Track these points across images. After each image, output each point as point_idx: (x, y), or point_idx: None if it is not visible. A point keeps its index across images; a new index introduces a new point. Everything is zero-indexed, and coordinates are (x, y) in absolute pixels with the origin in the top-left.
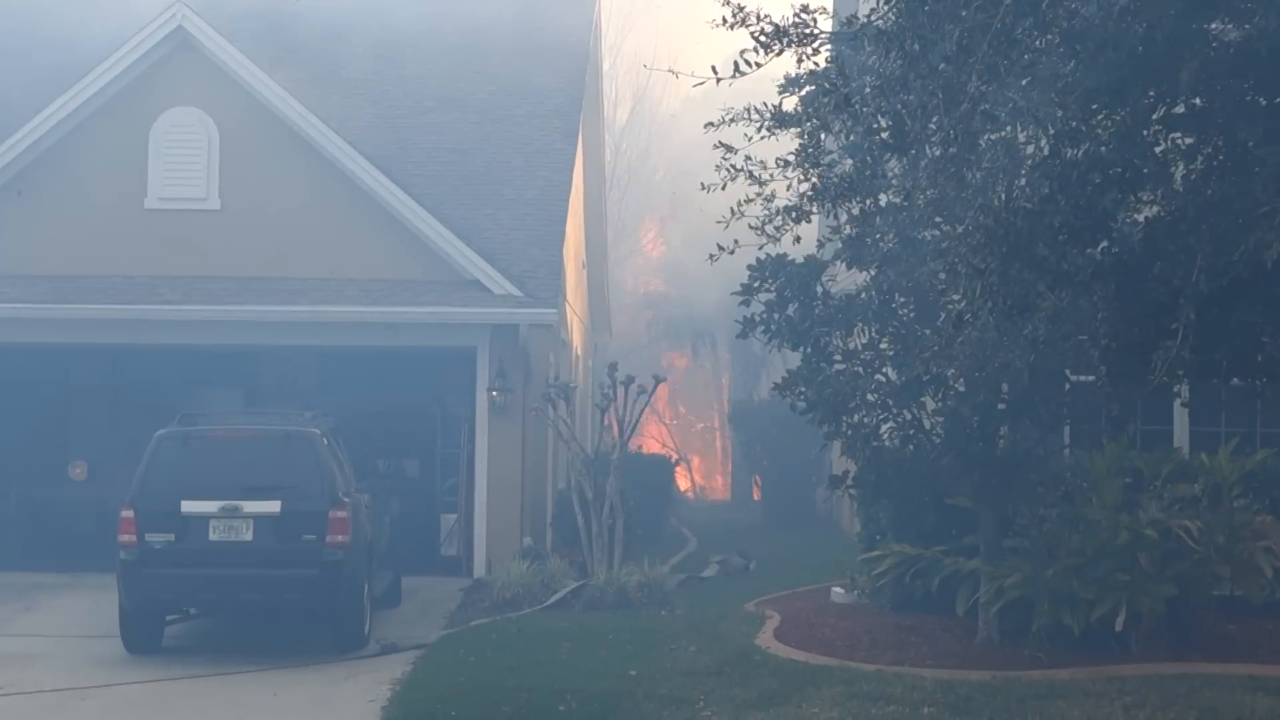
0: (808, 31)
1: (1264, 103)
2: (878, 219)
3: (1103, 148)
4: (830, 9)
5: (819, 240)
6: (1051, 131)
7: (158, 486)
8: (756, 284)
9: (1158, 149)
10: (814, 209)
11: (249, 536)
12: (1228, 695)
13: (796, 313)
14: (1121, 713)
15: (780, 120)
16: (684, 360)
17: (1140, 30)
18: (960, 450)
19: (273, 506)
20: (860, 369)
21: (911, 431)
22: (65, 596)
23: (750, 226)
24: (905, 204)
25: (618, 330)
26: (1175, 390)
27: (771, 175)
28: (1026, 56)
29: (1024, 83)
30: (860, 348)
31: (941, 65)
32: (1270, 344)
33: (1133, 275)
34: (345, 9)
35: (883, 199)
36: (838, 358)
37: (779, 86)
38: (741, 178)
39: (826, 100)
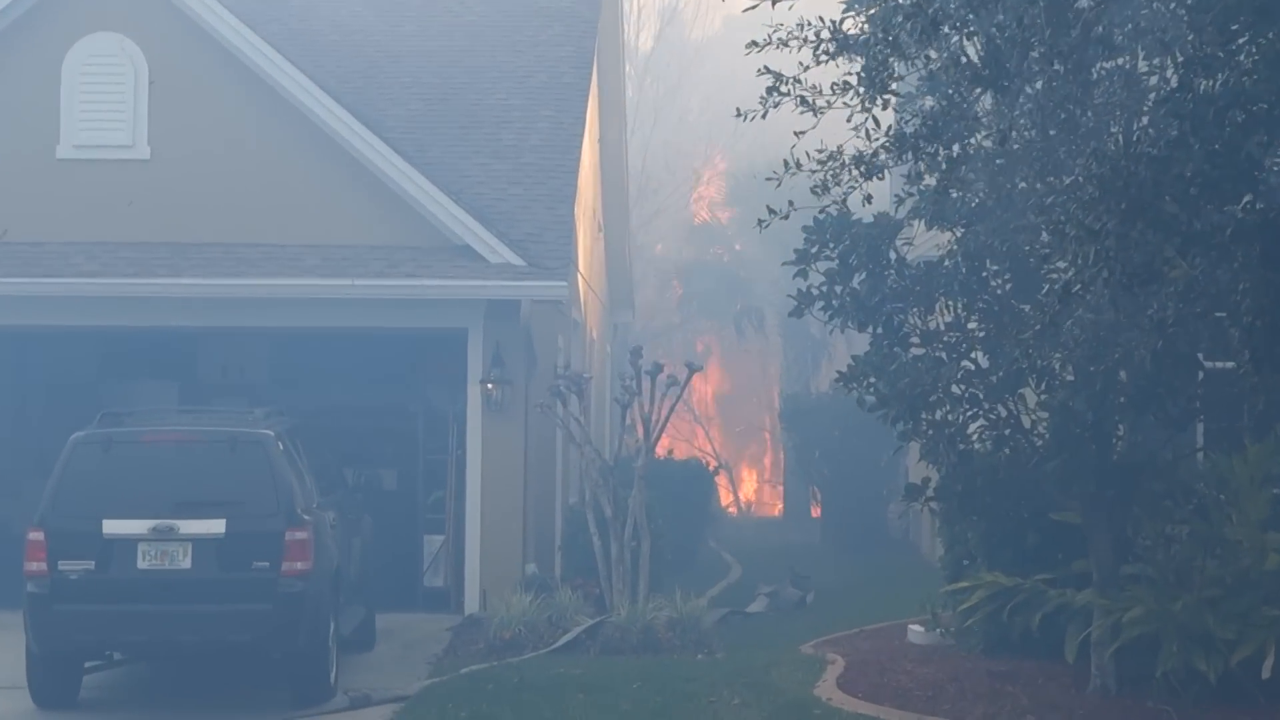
0: None
1: None
2: (965, 167)
3: (1245, 78)
4: None
5: (894, 197)
6: (1181, 59)
7: (74, 503)
8: (815, 249)
9: None
10: (889, 161)
11: (186, 564)
12: None
13: (864, 284)
14: None
15: (843, 44)
16: (724, 344)
17: None
18: (1070, 454)
19: (216, 527)
20: (943, 354)
21: (1007, 431)
22: None
23: (812, 190)
24: (1000, 149)
25: (642, 308)
26: None
27: (829, 102)
28: None
29: None
30: (943, 328)
31: None
32: None
33: None
34: None
35: (972, 143)
36: (915, 340)
37: (843, 2)
38: (790, 104)
39: (904, 22)
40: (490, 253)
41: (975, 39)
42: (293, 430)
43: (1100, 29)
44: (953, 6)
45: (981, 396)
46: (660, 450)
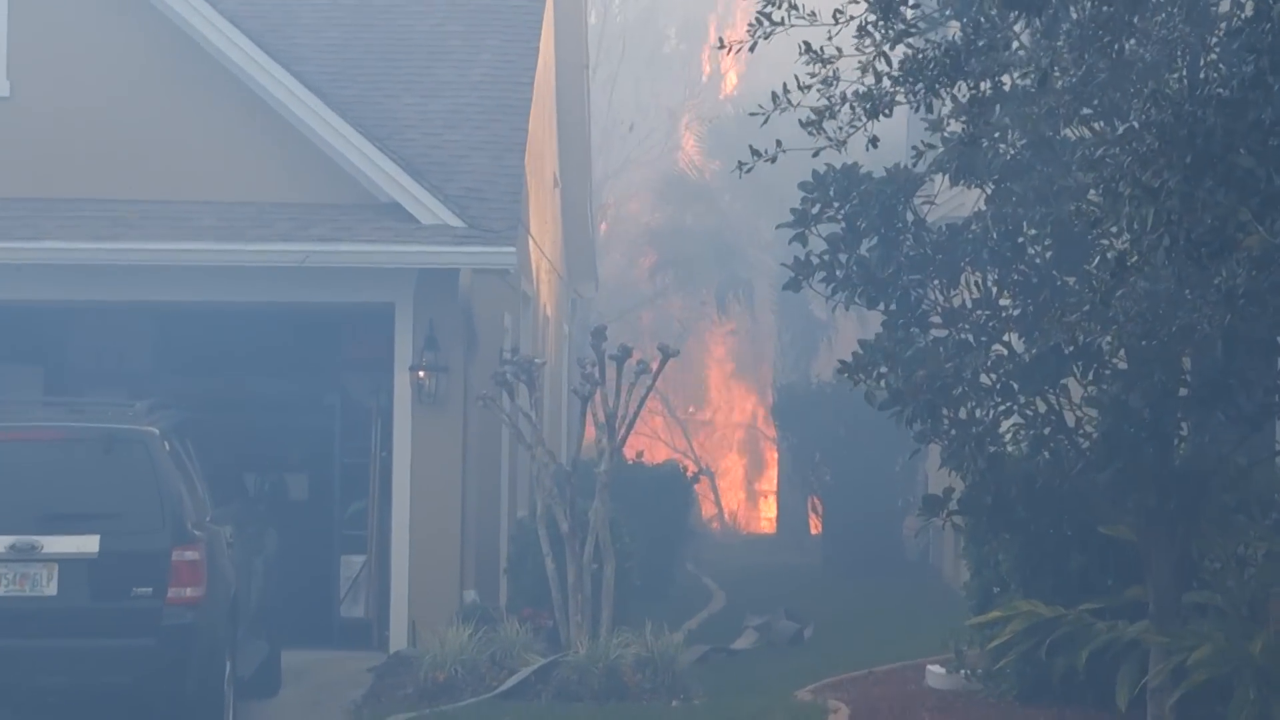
0: None
1: None
2: (997, 109)
3: None
4: None
5: (912, 149)
6: None
7: None
8: (816, 209)
9: None
10: (900, 94)
11: (51, 590)
12: None
13: (875, 252)
14: None
15: None
16: (705, 324)
17: None
18: (1127, 458)
19: (88, 545)
20: (970, 336)
21: (1047, 430)
22: None
23: (801, 123)
24: (1038, 89)
25: (607, 279)
26: None
27: (830, 33)
28: None
29: None
30: (970, 305)
31: None
32: None
33: None
34: None
35: (1005, 81)
36: (936, 320)
37: None
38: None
39: None
40: (423, 212)
41: None
42: (182, 427)
43: None
44: None
45: (1016, 389)
46: (628, 452)
